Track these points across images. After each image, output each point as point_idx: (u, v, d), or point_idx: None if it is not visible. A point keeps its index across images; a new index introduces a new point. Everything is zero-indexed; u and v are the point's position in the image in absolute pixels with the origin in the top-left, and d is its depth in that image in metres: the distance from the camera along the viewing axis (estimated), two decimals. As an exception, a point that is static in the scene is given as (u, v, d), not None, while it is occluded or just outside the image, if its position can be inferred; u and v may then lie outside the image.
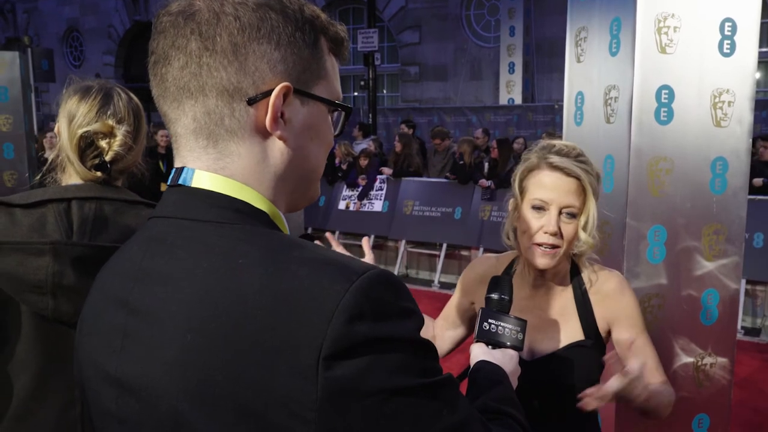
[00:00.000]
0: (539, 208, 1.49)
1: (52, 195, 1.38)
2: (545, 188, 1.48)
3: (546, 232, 1.48)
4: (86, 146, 1.41)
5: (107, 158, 1.42)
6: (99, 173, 1.41)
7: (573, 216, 1.48)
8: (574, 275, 1.60)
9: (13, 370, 1.35)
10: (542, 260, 1.50)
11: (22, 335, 1.34)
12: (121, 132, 1.42)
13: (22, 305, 1.34)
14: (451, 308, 1.79)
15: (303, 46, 0.77)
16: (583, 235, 1.49)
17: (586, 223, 1.49)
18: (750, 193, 2.63)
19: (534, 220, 1.50)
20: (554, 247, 1.49)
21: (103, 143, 1.41)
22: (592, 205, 1.48)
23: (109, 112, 1.42)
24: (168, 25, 0.76)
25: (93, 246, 1.34)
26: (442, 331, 1.79)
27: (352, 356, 0.65)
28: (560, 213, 1.48)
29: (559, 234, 1.48)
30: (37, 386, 1.35)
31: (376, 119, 12.83)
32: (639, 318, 1.59)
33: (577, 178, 1.46)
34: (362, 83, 13.09)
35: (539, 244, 1.49)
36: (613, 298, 1.58)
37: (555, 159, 1.48)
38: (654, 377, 1.58)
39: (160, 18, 0.77)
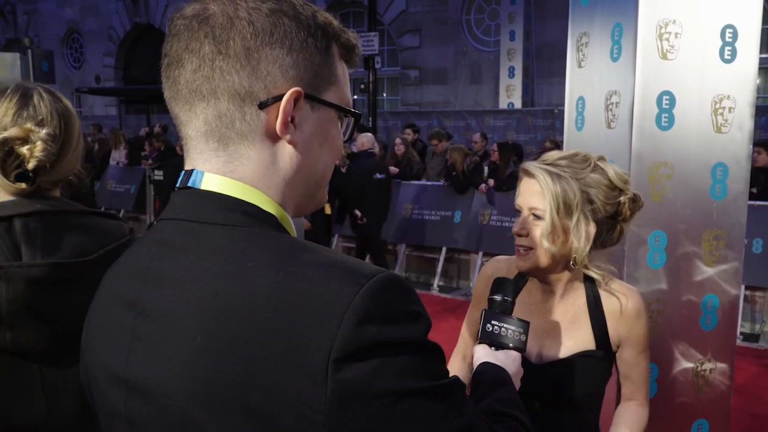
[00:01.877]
0: (518, 212, 1.54)
1: None
2: (520, 193, 1.55)
3: (515, 234, 1.52)
4: (6, 155, 1.23)
5: (29, 167, 1.24)
6: (23, 185, 1.24)
7: (539, 218, 1.49)
8: (588, 284, 1.60)
9: None
10: (518, 262, 1.55)
11: None
12: (40, 136, 1.24)
13: None
14: (466, 325, 1.77)
15: (315, 51, 0.78)
16: (544, 242, 1.46)
17: (545, 229, 1.46)
18: (749, 199, 2.64)
19: (515, 225, 1.54)
20: (527, 248, 1.51)
21: (23, 150, 1.23)
22: (548, 209, 1.45)
23: (25, 115, 1.25)
24: (182, 29, 0.76)
25: (48, 264, 1.21)
26: (465, 346, 1.76)
27: (361, 359, 0.66)
28: (530, 215, 1.51)
29: (527, 234, 1.50)
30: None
31: (376, 123, 12.83)
32: (646, 338, 1.61)
33: (537, 179, 1.47)
34: (362, 86, 13.10)
35: (516, 247, 1.54)
36: (630, 319, 1.58)
37: (525, 164, 1.54)
38: (637, 395, 1.64)
39: (174, 21, 0.78)
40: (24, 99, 1.27)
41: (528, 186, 1.51)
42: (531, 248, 1.50)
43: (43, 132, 1.24)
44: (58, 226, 1.27)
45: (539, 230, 1.48)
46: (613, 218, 1.53)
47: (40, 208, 1.26)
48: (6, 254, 1.21)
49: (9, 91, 1.28)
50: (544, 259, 1.50)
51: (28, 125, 1.24)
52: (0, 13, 21.63)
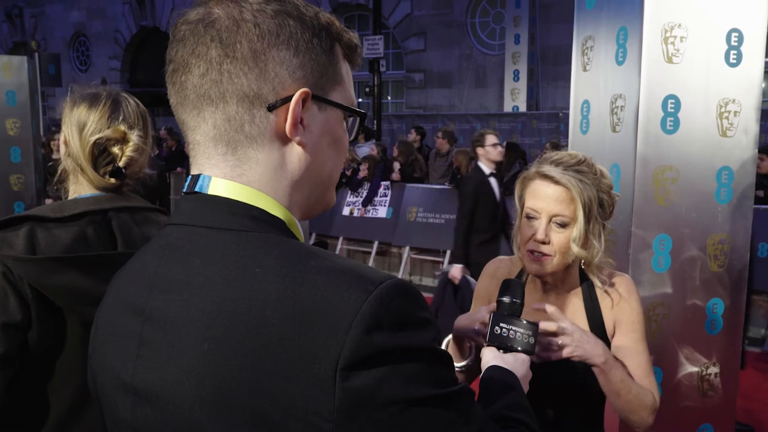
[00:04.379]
0: (532, 217, 1.52)
1: (87, 207, 1.38)
2: (536, 197, 1.52)
3: (535, 240, 1.50)
4: (99, 153, 1.42)
5: (121, 164, 1.42)
6: (113, 180, 1.42)
7: (563, 225, 1.49)
8: (584, 282, 1.61)
9: (56, 385, 1.34)
10: (532, 266, 1.53)
11: (66, 348, 1.33)
12: (133, 137, 1.43)
13: (67, 320, 1.32)
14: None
15: (320, 52, 0.78)
16: (574, 247, 1.48)
17: (577, 235, 1.47)
18: (755, 203, 2.64)
19: (527, 228, 1.53)
20: (544, 254, 1.50)
21: (115, 149, 1.42)
22: (580, 216, 1.47)
23: (120, 118, 1.43)
24: (187, 33, 0.76)
25: None
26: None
27: (369, 367, 0.65)
28: (551, 222, 1.50)
29: (548, 242, 1.49)
30: (80, 398, 1.34)
31: (380, 125, 12.85)
32: (641, 324, 1.59)
33: (566, 186, 1.47)
34: (367, 89, 13.11)
35: (530, 252, 1.52)
36: (621, 302, 1.59)
37: (546, 168, 1.51)
38: (643, 384, 1.58)
39: (178, 26, 0.77)
40: (115, 105, 1.45)
41: (548, 191, 1.49)
42: (547, 254, 1.50)
43: (135, 133, 1.44)
44: (142, 220, 1.44)
45: (561, 237, 1.49)
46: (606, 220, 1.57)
47: (128, 204, 1.44)
48: (104, 243, 1.37)
49: (102, 97, 1.44)
50: (560, 266, 1.52)
51: (122, 128, 1.42)
52: (7, 16, 21.75)
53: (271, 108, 0.76)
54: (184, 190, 0.81)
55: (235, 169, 0.77)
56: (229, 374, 0.67)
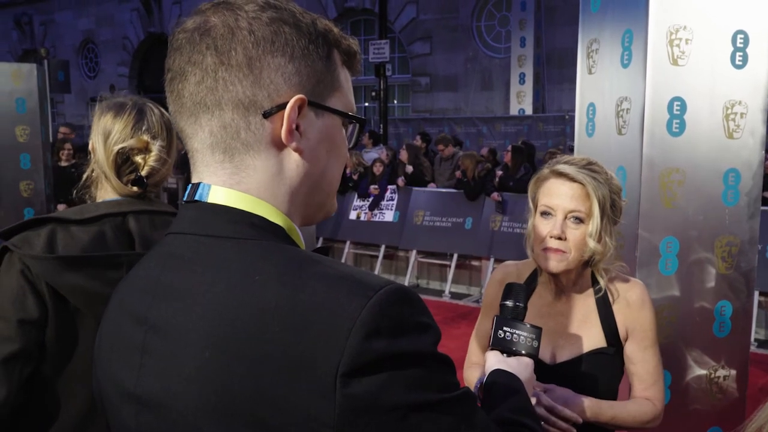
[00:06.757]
0: (547, 214, 1.55)
1: (107, 210, 1.41)
2: (551, 195, 1.55)
3: (552, 236, 1.52)
4: (122, 162, 1.44)
5: (143, 173, 1.45)
6: (135, 188, 1.44)
7: (580, 221, 1.52)
8: (596, 283, 1.62)
9: (72, 385, 1.34)
10: (549, 263, 1.54)
11: (83, 348, 1.34)
12: (156, 147, 1.45)
13: (84, 320, 1.34)
14: (476, 336, 1.78)
15: (316, 58, 0.78)
16: (590, 242, 1.50)
17: (593, 229, 1.51)
18: (762, 205, 2.63)
19: (542, 226, 1.55)
20: (561, 251, 1.52)
21: (138, 158, 1.45)
22: (596, 211, 1.50)
23: (144, 128, 1.45)
24: (184, 42, 0.76)
25: None
26: (478, 359, 1.77)
27: (370, 373, 0.65)
28: (566, 218, 1.52)
29: (565, 238, 1.52)
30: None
31: (387, 130, 12.86)
32: (653, 332, 1.61)
33: (582, 183, 1.51)
34: (373, 94, 13.14)
35: (546, 249, 1.54)
36: (633, 309, 1.60)
37: (561, 167, 1.55)
38: (647, 392, 1.61)
39: (176, 36, 0.78)
40: (140, 114, 1.47)
41: (564, 189, 1.53)
42: (564, 251, 1.52)
43: (158, 144, 1.46)
44: (161, 223, 1.46)
45: (577, 233, 1.52)
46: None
47: (148, 207, 1.46)
48: (122, 245, 1.39)
49: (128, 107, 1.47)
50: (576, 262, 1.54)
51: (145, 138, 1.45)
52: (17, 23, 21.93)
53: (266, 114, 0.75)
54: (185, 199, 0.81)
55: (233, 176, 0.77)
56: (230, 381, 0.67)
